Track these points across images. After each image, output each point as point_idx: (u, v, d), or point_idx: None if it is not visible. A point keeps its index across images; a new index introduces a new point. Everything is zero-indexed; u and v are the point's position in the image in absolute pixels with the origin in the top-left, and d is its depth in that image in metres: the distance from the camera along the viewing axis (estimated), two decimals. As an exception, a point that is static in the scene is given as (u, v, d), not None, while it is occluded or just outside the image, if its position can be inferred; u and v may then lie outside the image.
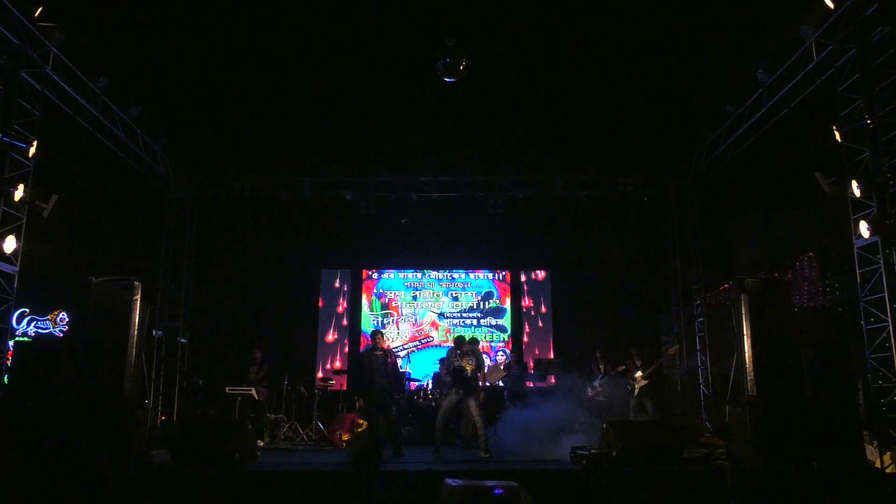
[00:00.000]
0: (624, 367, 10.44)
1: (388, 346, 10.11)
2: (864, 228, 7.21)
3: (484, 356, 13.52)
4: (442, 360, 8.57)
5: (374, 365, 8.37)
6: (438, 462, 7.61)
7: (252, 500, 6.03)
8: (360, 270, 14.39)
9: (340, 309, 14.22)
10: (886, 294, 7.03)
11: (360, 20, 8.45)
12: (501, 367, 11.22)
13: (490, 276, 14.41)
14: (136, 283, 7.14)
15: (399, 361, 10.16)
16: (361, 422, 9.65)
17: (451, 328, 13.98)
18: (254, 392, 10.10)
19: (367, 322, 14.08)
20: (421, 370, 12.91)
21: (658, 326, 13.49)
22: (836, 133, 7.48)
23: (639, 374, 10.25)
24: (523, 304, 14.29)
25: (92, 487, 5.87)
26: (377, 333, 8.82)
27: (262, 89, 9.92)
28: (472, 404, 8.13)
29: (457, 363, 8.25)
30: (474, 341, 9.55)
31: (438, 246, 14.02)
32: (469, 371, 8.16)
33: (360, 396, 8.47)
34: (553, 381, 11.79)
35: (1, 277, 7.50)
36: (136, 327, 7.08)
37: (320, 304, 14.19)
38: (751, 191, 13.33)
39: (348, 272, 14.40)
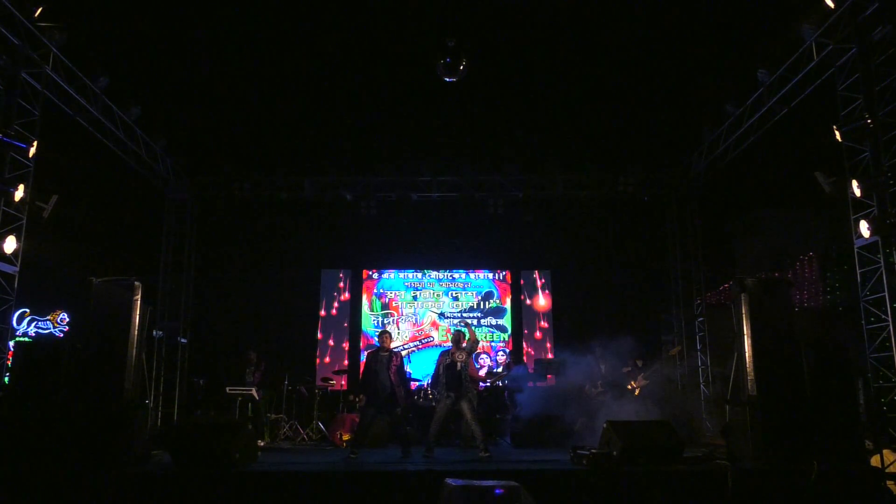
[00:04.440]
0: (632, 367, 10.43)
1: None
2: (864, 228, 7.21)
3: (484, 356, 13.65)
4: (442, 354, 8.56)
5: (378, 365, 8.39)
6: (438, 462, 7.60)
7: (252, 500, 6.02)
8: (360, 270, 14.38)
9: (341, 309, 14.22)
10: (887, 294, 7.03)
11: (361, 20, 8.45)
12: (502, 368, 11.21)
13: (490, 276, 14.41)
14: (136, 283, 7.14)
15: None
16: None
17: (452, 328, 13.98)
18: (254, 392, 10.11)
19: (368, 322, 14.09)
20: (421, 370, 12.92)
21: (658, 326, 13.48)
22: (837, 133, 7.47)
23: (640, 374, 10.24)
24: (523, 303, 14.29)
25: (92, 487, 5.87)
26: (384, 334, 8.83)
27: (262, 89, 9.94)
28: (466, 407, 8.10)
29: (448, 360, 8.25)
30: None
31: (438, 246, 14.02)
32: (460, 365, 8.14)
33: (364, 394, 8.49)
34: (552, 380, 11.78)
35: (1, 277, 7.50)
36: (136, 327, 7.07)
37: (320, 304, 14.19)
38: (751, 191, 13.34)
39: (348, 272, 14.40)
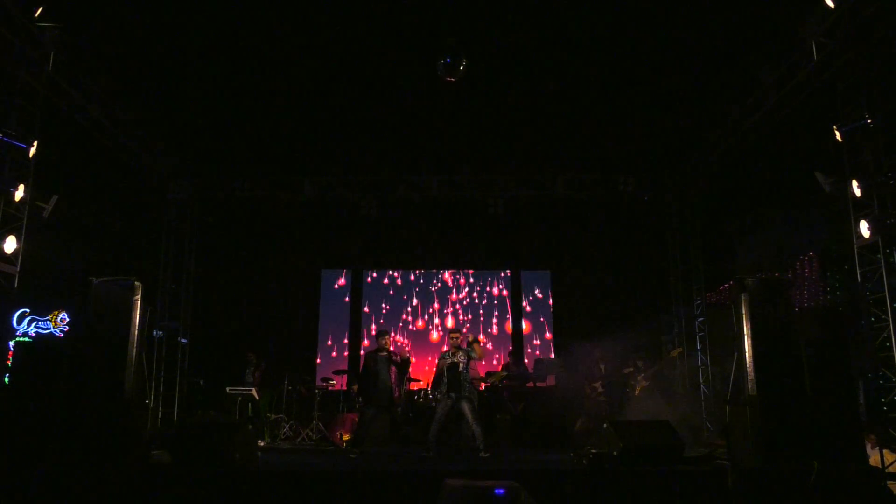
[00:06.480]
0: (632, 368, 10.42)
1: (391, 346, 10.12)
2: (864, 228, 7.21)
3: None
4: (443, 354, 8.56)
5: (378, 365, 8.39)
6: (438, 462, 7.60)
7: (252, 500, 6.02)
8: (360, 270, 14.39)
9: (341, 309, 14.21)
10: (887, 293, 7.03)
11: (361, 20, 8.45)
12: (501, 368, 11.21)
13: (490, 276, 14.40)
14: (136, 283, 7.13)
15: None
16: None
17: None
18: (254, 392, 10.12)
19: (368, 322, 14.08)
20: (421, 370, 12.91)
21: (658, 326, 13.48)
22: (837, 133, 7.47)
23: (641, 375, 10.24)
24: (523, 303, 14.29)
25: (92, 487, 5.87)
26: (382, 334, 8.81)
27: (262, 89, 9.91)
28: (467, 407, 8.11)
29: (449, 361, 8.25)
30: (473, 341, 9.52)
31: (438, 246, 14.02)
32: (462, 365, 8.14)
33: (363, 397, 8.49)
34: (552, 380, 11.78)
35: (1, 277, 7.50)
36: (136, 327, 7.07)
37: (320, 304, 14.18)
38: (751, 190, 13.31)
39: (349, 272, 14.40)
